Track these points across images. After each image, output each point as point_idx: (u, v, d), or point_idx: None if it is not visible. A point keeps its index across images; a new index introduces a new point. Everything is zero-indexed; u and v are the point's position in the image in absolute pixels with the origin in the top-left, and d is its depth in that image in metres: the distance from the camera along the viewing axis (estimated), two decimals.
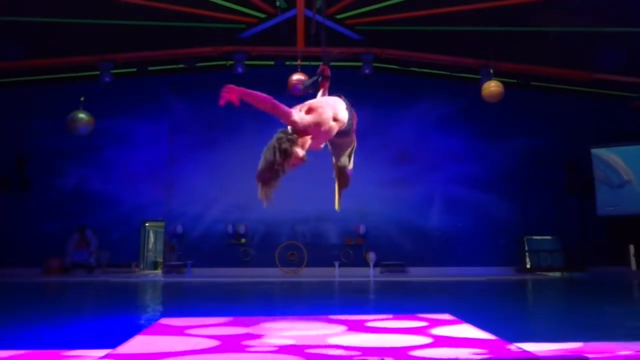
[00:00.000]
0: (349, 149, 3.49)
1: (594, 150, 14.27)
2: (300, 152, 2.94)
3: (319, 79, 3.61)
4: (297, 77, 11.22)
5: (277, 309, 7.15)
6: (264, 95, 2.97)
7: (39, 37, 11.63)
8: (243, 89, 2.97)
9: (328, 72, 3.65)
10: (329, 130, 3.10)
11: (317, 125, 3.04)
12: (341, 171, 3.51)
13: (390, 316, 5.42)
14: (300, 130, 2.99)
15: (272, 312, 6.45)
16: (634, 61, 12.05)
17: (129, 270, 13.99)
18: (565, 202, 14.63)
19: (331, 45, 12.45)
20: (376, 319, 5.19)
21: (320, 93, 3.64)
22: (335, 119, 3.12)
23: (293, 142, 2.94)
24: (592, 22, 10.74)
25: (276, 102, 2.95)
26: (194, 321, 5.08)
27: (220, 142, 14.47)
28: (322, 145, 3.21)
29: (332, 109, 3.14)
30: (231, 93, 2.96)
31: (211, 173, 14.39)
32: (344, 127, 3.21)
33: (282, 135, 2.96)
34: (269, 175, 2.88)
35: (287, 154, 2.90)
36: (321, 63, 3.82)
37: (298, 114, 3.01)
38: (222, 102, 2.98)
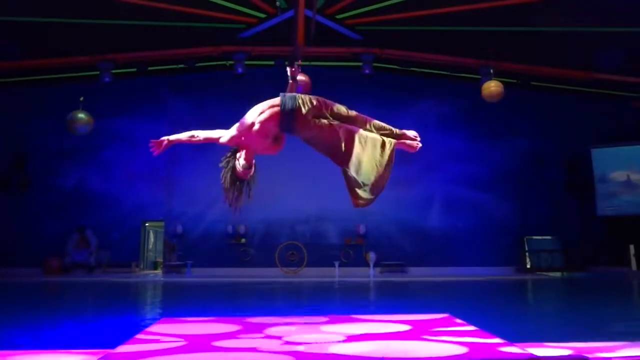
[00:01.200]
0: (335, 147, 3.34)
1: (595, 150, 14.27)
2: (239, 163, 3.34)
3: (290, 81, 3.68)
4: (297, 77, 11.19)
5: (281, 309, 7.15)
6: (190, 132, 3.50)
7: (39, 37, 11.62)
8: (167, 138, 3.49)
9: (294, 73, 3.70)
10: (257, 132, 3.32)
11: (241, 134, 3.36)
12: (346, 174, 3.45)
13: (388, 316, 5.42)
14: (238, 145, 3.38)
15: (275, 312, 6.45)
16: (634, 61, 12.05)
17: (129, 270, 13.99)
18: (565, 202, 14.63)
19: (331, 45, 12.53)
20: (375, 319, 5.19)
21: (288, 89, 3.69)
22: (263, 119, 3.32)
23: (230, 159, 3.40)
24: (592, 22, 10.74)
25: (204, 133, 3.48)
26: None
27: None
28: (278, 148, 3.46)
29: (256, 111, 3.39)
30: (159, 146, 3.46)
31: (211, 173, 14.30)
32: (281, 122, 3.31)
33: (223, 157, 3.43)
34: (228, 191, 3.40)
35: (231, 170, 3.37)
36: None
37: (225, 133, 3.42)
38: (155, 154, 3.49)
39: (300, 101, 3.32)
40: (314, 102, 3.33)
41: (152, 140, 3.44)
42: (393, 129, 3.48)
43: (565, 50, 12.22)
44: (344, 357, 3.42)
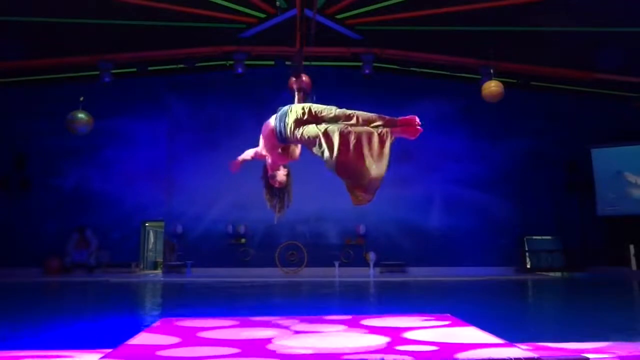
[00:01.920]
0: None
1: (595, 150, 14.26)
2: (270, 174, 3.69)
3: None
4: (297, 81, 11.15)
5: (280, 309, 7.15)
6: (248, 151, 3.89)
7: (39, 37, 11.62)
8: (240, 159, 3.93)
9: (299, 84, 3.81)
10: (266, 145, 3.64)
11: (261, 148, 3.70)
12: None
13: (389, 316, 5.42)
14: (263, 158, 3.72)
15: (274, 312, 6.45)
16: (634, 61, 12.05)
17: (129, 270, 13.99)
18: (565, 202, 14.64)
19: (331, 45, 12.52)
20: (374, 318, 5.19)
21: (296, 100, 3.83)
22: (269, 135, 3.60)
23: (265, 170, 3.76)
24: (592, 22, 10.73)
25: (254, 149, 3.80)
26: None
27: (220, 142, 14.48)
28: (287, 157, 3.72)
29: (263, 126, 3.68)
30: (236, 165, 3.93)
31: (211, 173, 14.39)
32: (276, 134, 3.51)
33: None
34: (269, 200, 3.78)
35: (265, 181, 3.74)
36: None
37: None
38: (234, 172, 3.99)
39: (289, 112, 3.45)
40: (300, 111, 3.39)
41: (230, 162, 3.95)
42: (386, 117, 3.40)
43: (565, 50, 12.22)
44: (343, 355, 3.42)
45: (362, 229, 14.17)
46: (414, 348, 3.57)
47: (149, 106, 14.85)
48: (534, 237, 14.21)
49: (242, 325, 4.80)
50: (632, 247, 13.48)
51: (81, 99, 11.87)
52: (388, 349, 3.56)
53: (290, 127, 3.39)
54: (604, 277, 12.32)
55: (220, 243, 14.24)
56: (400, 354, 3.40)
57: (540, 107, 14.75)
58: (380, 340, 3.87)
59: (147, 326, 4.90)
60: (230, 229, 14.21)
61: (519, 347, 3.59)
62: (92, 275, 13.50)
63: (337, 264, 13.64)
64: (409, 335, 4.09)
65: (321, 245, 14.25)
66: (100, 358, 3.43)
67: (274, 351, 3.56)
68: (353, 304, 8.08)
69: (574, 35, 11.39)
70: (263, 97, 14.43)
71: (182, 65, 13.23)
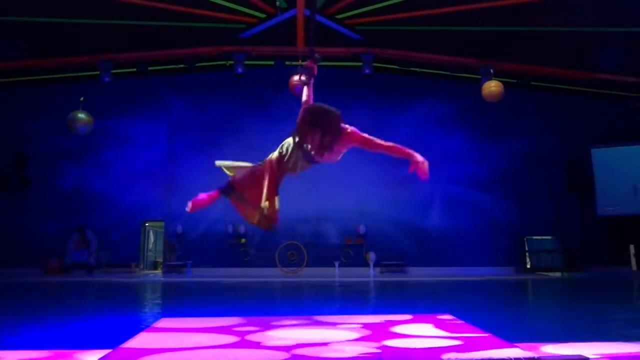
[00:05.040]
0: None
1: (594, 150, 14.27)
2: None
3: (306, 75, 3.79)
4: (297, 77, 11.17)
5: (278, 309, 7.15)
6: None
7: (39, 37, 11.63)
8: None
9: (314, 72, 3.79)
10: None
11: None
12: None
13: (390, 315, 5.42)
14: None
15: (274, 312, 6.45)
16: (634, 61, 12.06)
17: (129, 270, 13.99)
18: (565, 202, 14.63)
19: (331, 45, 12.53)
20: (374, 319, 5.19)
21: (305, 91, 3.80)
22: None
23: None
24: (592, 22, 10.74)
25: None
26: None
27: (220, 142, 14.47)
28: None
29: None
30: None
31: (211, 173, 14.32)
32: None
33: None
34: None
35: None
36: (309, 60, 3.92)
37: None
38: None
39: None
40: None
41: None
42: None
43: (565, 50, 12.22)
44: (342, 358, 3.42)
45: (362, 229, 14.16)
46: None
47: (149, 106, 14.85)
48: (534, 237, 14.19)
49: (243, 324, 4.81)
50: (632, 247, 13.47)
51: (81, 99, 11.88)
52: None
53: None
54: (604, 277, 12.31)
55: (220, 243, 14.23)
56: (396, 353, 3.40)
57: (540, 107, 14.75)
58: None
59: (147, 326, 4.90)
60: (230, 229, 14.19)
61: (518, 347, 3.59)
62: (92, 275, 13.50)
63: (337, 264, 13.64)
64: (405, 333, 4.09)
65: (321, 245, 14.24)
66: (100, 358, 3.43)
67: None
68: (351, 303, 8.07)
69: (574, 35, 11.40)
70: (263, 97, 14.44)
71: (182, 65, 13.26)
